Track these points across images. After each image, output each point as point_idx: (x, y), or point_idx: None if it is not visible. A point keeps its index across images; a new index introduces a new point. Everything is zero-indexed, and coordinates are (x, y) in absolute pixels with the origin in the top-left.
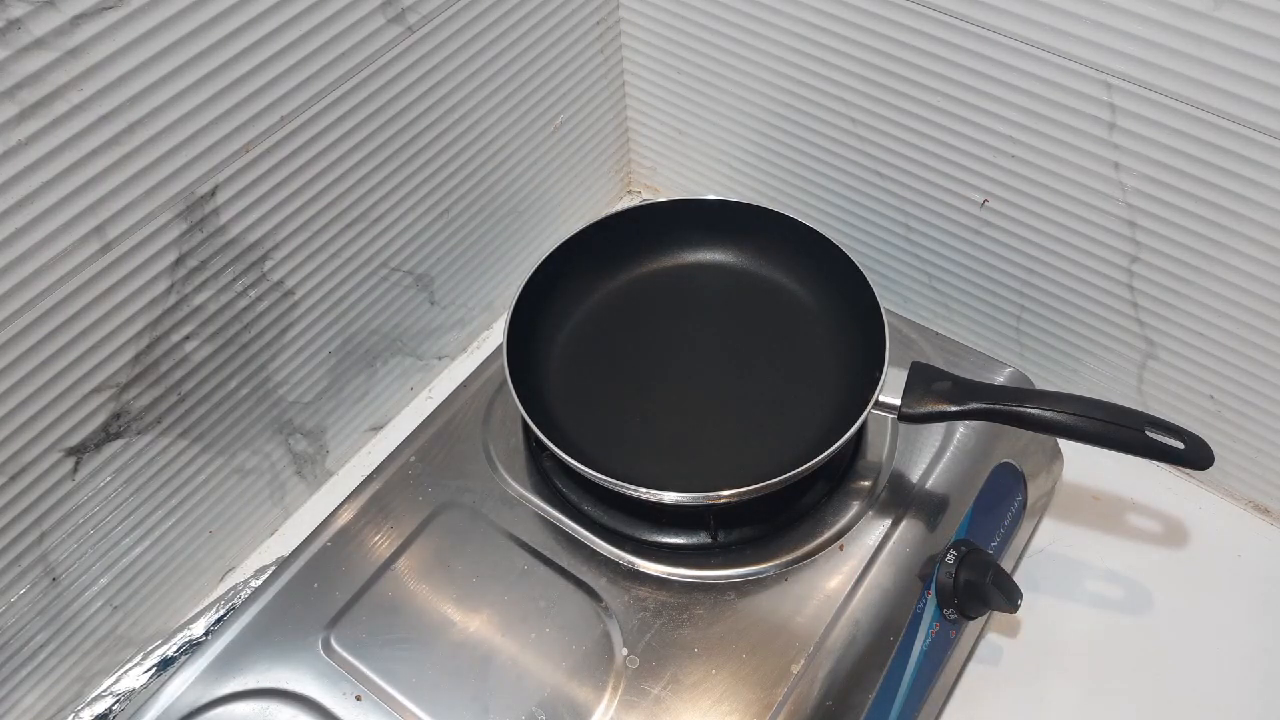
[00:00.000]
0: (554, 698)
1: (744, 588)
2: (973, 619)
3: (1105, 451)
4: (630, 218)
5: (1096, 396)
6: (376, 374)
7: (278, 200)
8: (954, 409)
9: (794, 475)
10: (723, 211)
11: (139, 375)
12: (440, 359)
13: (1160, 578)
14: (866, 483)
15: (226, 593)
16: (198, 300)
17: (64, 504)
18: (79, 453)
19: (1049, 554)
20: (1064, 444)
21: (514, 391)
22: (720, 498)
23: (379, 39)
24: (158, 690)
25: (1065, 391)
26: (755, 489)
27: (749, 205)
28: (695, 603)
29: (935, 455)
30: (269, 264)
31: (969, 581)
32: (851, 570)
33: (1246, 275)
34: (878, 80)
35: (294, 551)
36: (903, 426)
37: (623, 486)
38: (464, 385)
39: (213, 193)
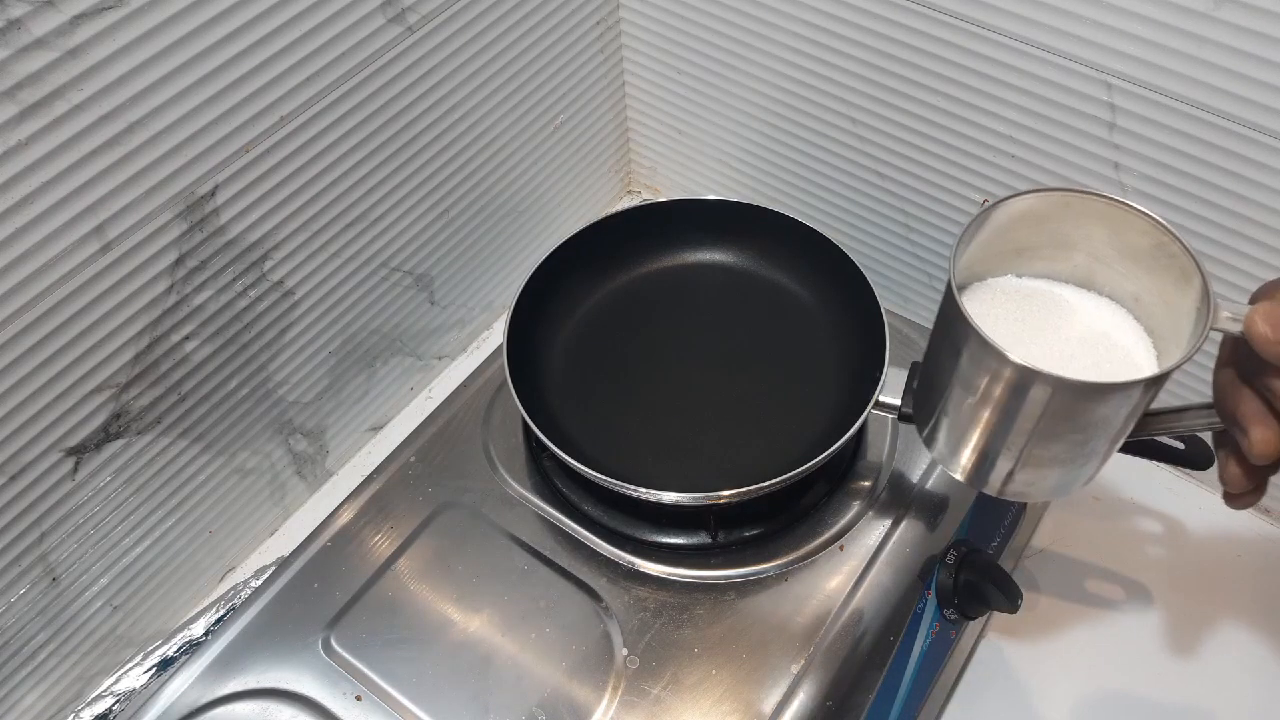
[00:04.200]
0: (554, 698)
1: (744, 588)
2: (973, 619)
3: None
4: (630, 218)
5: None
6: (376, 374)
7: (278, 200)
8: None
9: (794, 475)
10: (723, 211)
11: (139, 375)
12: (440, 359)
13: (1160, 578)
14: (866, 483)
15: (226, 593)
16: (198, 300)
17: (64, 504)
18: (79, 453)
19: (1049, 554)
20: None
21: (514, 391)
22: (720, 498)
23: (379, 39)
24: (158, 690)
25: None
26: (755, 489)
27: (749, 205)
28: (695, 603)
29: None
30: (269, 264)
31: (969, 581)
32: (851, 570)
33: (1246, 275)
34: (878, 80)
35: (294, 551)
36: (903, 426)
37: (623, 486)
38: (464, 385)
39: (213, 193)
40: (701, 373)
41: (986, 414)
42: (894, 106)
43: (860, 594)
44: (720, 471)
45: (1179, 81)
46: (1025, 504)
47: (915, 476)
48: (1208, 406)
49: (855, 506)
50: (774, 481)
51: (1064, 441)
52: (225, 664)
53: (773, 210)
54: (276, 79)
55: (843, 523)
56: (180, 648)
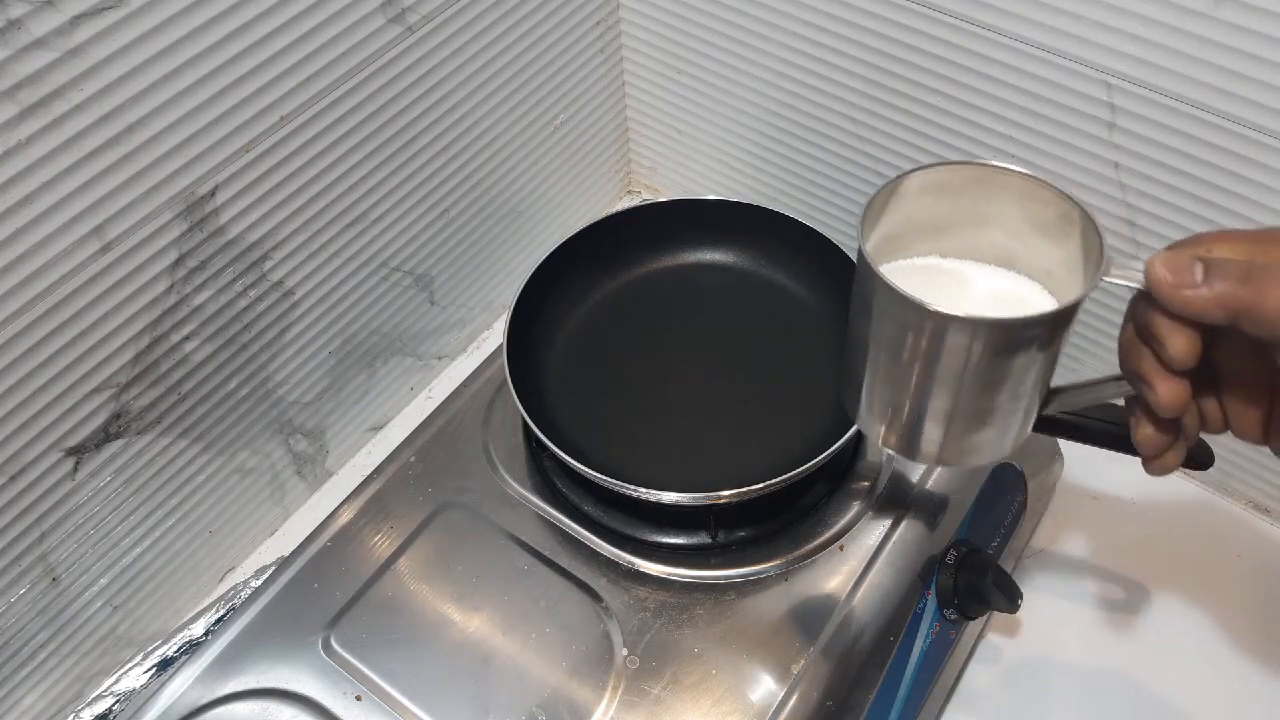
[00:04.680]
0: (554, 698)
1: (744, 588)
2: (973, 619)
3: (1105, 451)
4: (630, 218)
5: None
6: (376, 374)
7: (278, 200)
8: None
9: (794, 475)
10: (723, 211)
11: (139, 375)
12: (440, 359)
13: (1160, 578)
14: (866, 483)
15: (226, 593)
16: (198, 300)
17: (64, 504)
18: (79, 453)
19: (1049, 554)
20: (1064, 444)
21: (514, 391)
22: (720, 498)
23: (379, 39)
24: (158, 690)
25: None
26: (755, 489)
27: (749, 205)
28: (695, 603)
29: None
30: (269, 264)
31: (969, 581)
32: (851, 570)
33: None
34: (878, 80)
35: (294, 551)
36: None
37: (623, 486)
38: (464, 385)
39: (213, 193)
40: (701, 373)
41: (903, 371)
42: (894, 106)
43: (860, 594)
44: (720, 471)
45: (1179, 81)
46: (1025, 504)
47: (915, 476)
48: (1119, 377)
49: (855, 506)
50: (774, 481)
51: (984, 395)
52: (225, 664)
53: (773, 210)
54: (276, 79)
55: (843, 523)
56: (180, 648)
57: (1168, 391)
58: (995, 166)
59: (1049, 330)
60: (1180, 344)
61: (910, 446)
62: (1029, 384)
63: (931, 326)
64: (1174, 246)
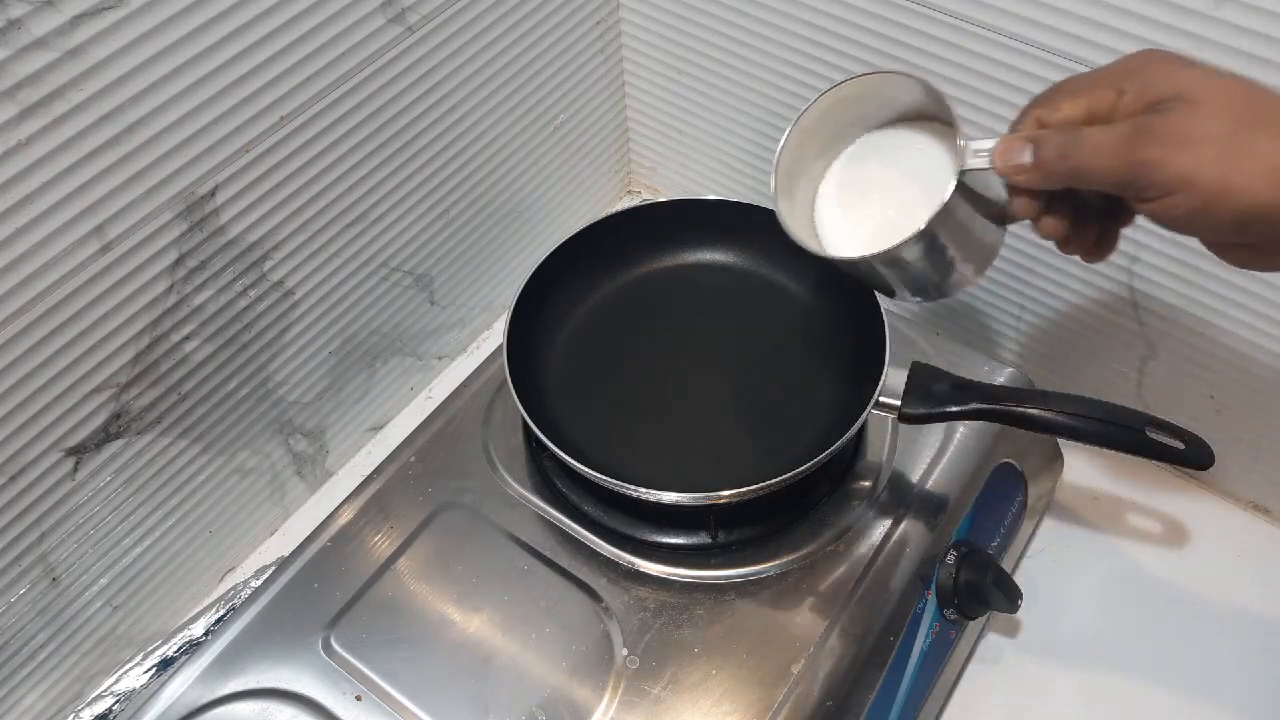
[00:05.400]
0: (554, 698)
1: (744, 588)
2: (973, 619)
3: (1105, 451)
4: (630, 218)
5: (1096, 396)
6: (376, 374)
7: (278, 200)
8: (954, 409)
9: (794, 475)
10: (723, 211)
11: (139, 375)
12: (440, 359)
13: (1160, 578)
14: (866, 483)
15: (226, 593)
16: (198, 300)
17: (64, 504)
18: (79, 453)
19: (1049, 554)
20: (1064, 444)
21: (514, 391)
22: (720, 498)
23: (379, 39)
24: (158, 690)
25: (1065, 391)
26: (755, 489)
27: (749, 205)
28: (695, 603)
29: (935, 455)
30: (269, 264)
31: (969, 581)
32: (851, 570)
33: (1246, 274)
34: None
35: (294, 551)
36: (903, 426)
37: (623, 486)
38: (464, 385)
39: (213, 193)
40: (701, 373)
41: (878, 280)
42: None
43: (860, 594)
44: (720, 471)
45: None
46: (1025, 504)
47: (915, 476)
48: None
49: (855, 506)
50: (774, 481)
51: (939, 266)
52: (225, 664)
53: (773, 210)
54: (276, 79)
55: (843, 523)
56: (180, 648)
57: (1044, 228)
58: (855, 78)
59: (936, 231)
60: (1019, 204)
61: (935, 295)
62: (963, 248)
63: (844, 262)
64: (1030, 106)
